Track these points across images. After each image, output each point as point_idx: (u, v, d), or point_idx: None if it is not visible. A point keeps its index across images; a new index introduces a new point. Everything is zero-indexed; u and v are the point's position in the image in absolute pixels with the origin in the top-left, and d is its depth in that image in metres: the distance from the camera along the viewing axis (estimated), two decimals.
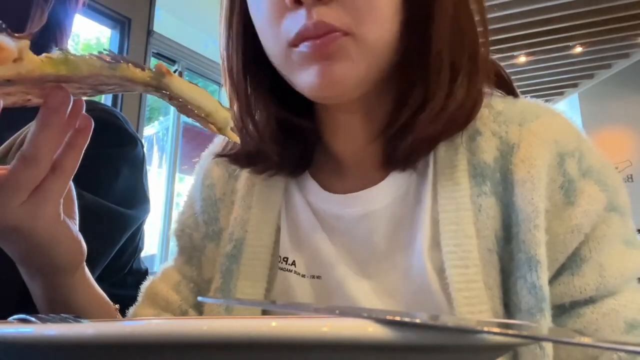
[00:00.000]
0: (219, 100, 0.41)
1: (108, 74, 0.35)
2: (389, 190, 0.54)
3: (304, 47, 0.46)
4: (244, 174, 0.61)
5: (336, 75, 0.47)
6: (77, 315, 0.36)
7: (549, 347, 0.46)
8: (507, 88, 0.58)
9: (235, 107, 0.56)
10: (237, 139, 0.44)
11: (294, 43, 0.47)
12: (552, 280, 0.48)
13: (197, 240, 0.63)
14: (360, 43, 0.46)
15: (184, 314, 0.61)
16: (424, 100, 0.50)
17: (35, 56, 0.34)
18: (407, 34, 0.49)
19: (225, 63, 0.56)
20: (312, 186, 0.58)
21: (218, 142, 0.66)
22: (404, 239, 0.53)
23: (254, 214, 0.58)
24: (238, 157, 0.59)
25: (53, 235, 0.46)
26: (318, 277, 0.56)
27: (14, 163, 0.41)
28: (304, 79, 0.48)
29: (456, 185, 0.51)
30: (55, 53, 0.34)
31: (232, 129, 0.42)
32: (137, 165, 0.80)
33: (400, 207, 0.54)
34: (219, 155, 0.60)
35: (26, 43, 0.33)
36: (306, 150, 0.59)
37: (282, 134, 0.56)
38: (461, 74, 0.50)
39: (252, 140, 0.56)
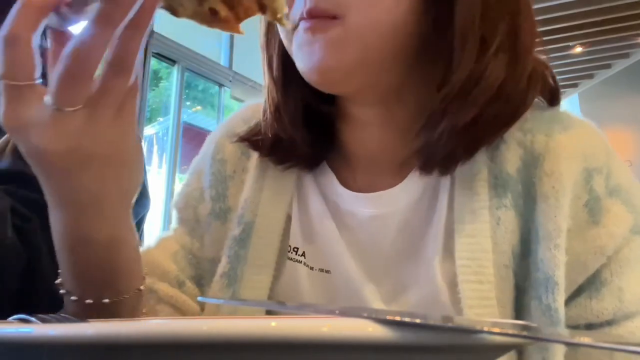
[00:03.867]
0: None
1: None
2: (403, 194, 0.52)
3: (300, 28, 0.47)
4: (257, 153, 0.59)
5: (324, 62, 0.46)
6: None
7: (559, 354, 0.45)
8: (551, 95, 0.53)
9: (272, 94, 0.55)
10: (289, 26, 0.42)
11: (296, 26, 0.47)
12: (568, 301, 0.47)
13: (202, 215, 0.60)
14: (348, 28, 0.45)
15: (181, 285, 0.58)
16: (444, 79, 0.46)
17: None
18: (427, 18, 0.46)
19: (265, 51, 0.56)
20: (330, 178, 0.57)
21: (233, 120, 0.63)
22: (413, 247, 0.51)
23: (265, 197, 0.57)
24: (260, 144, 0.57)
25: (139, 156, 0.43)
26: (327, 271, 0.55)
27: (104, 77, 0.37)
28: (300, 64, 0.48)
29: (475, 195, 0.48)
30: None
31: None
32: None
33: (413, 213, 0.52)
34: (242, 138, 0.58)
35: None
36: (326, 143, 0.57)
37: (309, 123, 0.55)
38: (493, 48, 0.45)
39: (282, 126, 0.54)
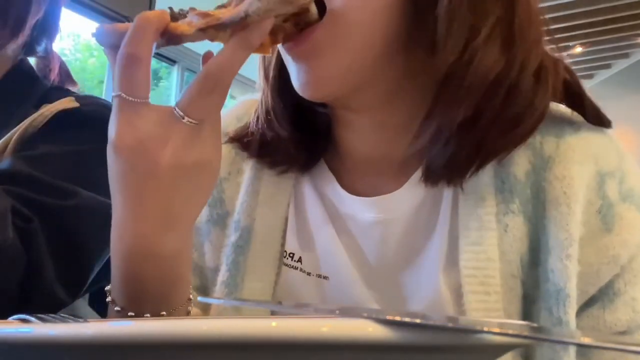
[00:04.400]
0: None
1: None
2: (406, 197, 0.49)
3: (286, 45, 0.45)
4: None
5: (315, 77, 0.44)
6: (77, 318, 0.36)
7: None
8: (574, 99, 0.48)
9: (265, 96, 0.53)
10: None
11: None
12: (579, 311, 0.45)
13: (199, 222, 0.58)
14: (335, 33, 0.43)
15: None
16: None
17: None
18: (413, 17, 0.44)
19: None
20: (329, 180, 0.54)
21: (227, 118, 0.61)
22: (416, 254, 0.49)
23: (262, 201, 0.54)
24: (251, 144, 0.55)
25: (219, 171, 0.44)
26: (325, 277, 0.53)
27: (213, 92, 0.40)
28: (293, 80, 0.47)
29: (480, 200, 0.46)
30: None
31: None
32: None
33: (416, 218, 0.49)
34: (231, 139, 0.56)
35: None
36: (321, 142, 0.55)
37: (302, 123, 0.53)
38: (483, 34, 0.42)
39: (271, 126, 0.53)
